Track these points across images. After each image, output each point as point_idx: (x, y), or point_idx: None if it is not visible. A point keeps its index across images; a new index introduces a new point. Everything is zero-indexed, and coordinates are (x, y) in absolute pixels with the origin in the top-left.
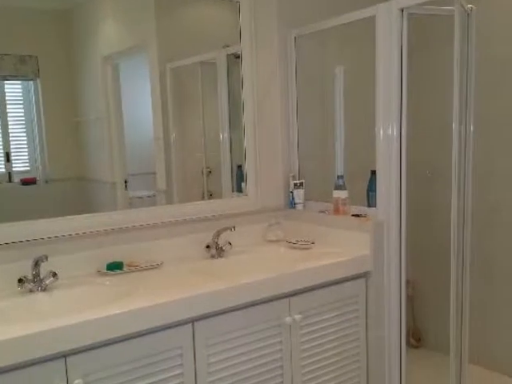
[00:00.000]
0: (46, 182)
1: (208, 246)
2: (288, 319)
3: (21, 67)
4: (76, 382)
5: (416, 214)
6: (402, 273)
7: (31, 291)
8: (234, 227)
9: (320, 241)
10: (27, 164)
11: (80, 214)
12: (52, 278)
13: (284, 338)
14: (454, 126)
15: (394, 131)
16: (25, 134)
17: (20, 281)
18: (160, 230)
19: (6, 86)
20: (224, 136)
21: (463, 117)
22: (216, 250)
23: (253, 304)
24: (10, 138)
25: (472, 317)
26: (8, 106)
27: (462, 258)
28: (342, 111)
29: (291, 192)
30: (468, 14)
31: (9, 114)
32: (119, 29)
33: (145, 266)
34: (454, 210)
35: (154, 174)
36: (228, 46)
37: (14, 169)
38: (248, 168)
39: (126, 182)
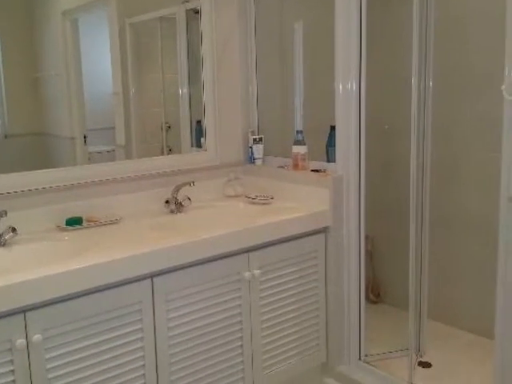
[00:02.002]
0: (6, 137)
1: (167, 202)
2: (247, 274)
3: None
4: (35, 337)
5: (375, 169)
6: (361, 228)
7: None
8: (193, 182)
9: (279, 196)
10: None
11: (40, 169)
12: (11, 233)
13: (243, 293)
14: (413, 80)
15: (353, 86)
16: None
17: None
18: (119, 185)
19: None
20: (183, 91)
21: (422, 72)
22: (175, 205)
23: (212, 259)
24: None
25: (431, 273)
26: None
27: (421, 213)
28: (301, 66)
29: (250, 147)
30: None
31: None
32: None
33: (104, 222)
34: (413, 165)
35: (114, 129)
36: (187, 1)
37: None
38: (207, 123)
39: (85, 137)
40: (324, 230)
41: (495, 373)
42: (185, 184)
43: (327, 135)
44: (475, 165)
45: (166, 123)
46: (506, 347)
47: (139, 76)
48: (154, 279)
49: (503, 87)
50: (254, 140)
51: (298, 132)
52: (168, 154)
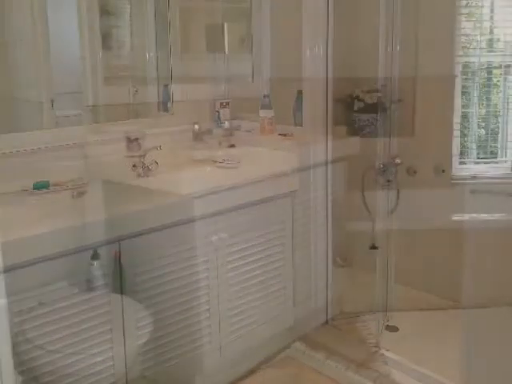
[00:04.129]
0: None
1: (134, 166)
2: (214, 238)
3: None
4: (0, 301)
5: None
6: (328, 192)
7: None
8: (160, 146)
9: (246, 160)
10: None
11: (6, 133)
12: None
13: (210, 257)
14: (381, 45)
15: (320, 50)
16: None
17: None
18: (86, 149)
19: None
20: (150, 55)
21: (390, 36)
22: (142, 169)
23: (179, 223)
24: None
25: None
26: None
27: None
28: (269, 29)
29: (217, 111)
30: None
31: None
32: None
33: (71, 186)
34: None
35: (81, 93)
36: None
37: None
38: (174, 87)
39: (52, 101)
40: (291, 194)
41: (463, 337)
42: (152, 148)
43: (294, 99)
44: None
45: (134, 87)
46: (474, 312)
47: (107, 40)
48: (122, 243)
49: None
50: (221, 104)
51: (264, 96)
52: (135, 118)
